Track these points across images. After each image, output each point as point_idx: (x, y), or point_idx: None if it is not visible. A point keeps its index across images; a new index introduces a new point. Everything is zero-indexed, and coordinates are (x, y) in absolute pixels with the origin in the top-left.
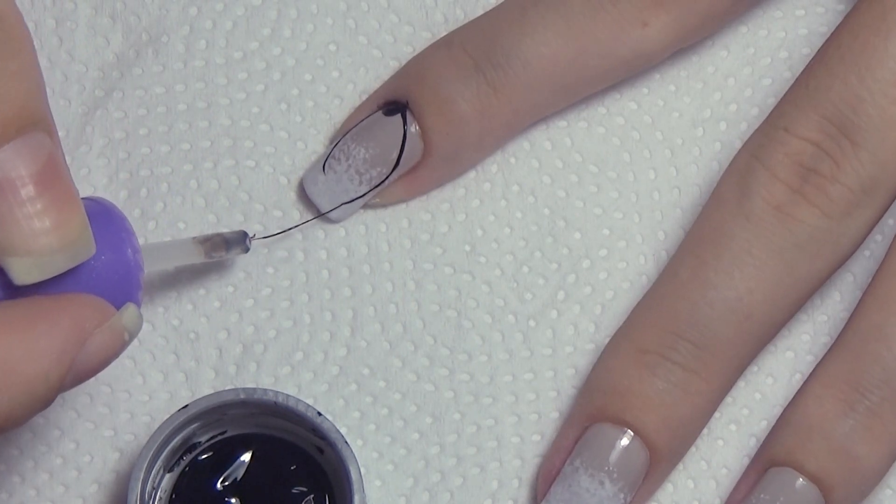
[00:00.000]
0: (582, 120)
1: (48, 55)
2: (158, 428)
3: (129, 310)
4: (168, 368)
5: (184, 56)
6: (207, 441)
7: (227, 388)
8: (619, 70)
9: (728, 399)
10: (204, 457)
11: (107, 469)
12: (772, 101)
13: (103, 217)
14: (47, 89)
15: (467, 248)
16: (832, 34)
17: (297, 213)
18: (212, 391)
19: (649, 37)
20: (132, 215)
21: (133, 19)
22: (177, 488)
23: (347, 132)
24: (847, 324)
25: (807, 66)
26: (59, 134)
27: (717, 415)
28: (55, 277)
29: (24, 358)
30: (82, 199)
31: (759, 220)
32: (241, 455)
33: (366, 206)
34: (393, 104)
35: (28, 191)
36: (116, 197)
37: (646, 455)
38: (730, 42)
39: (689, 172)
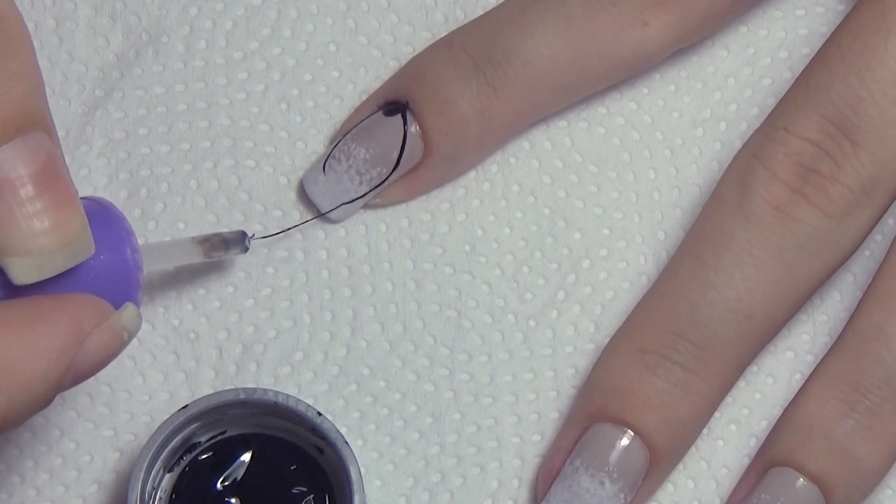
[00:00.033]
0: (582, 120)
1: (48, 55)
2: (158, 428)
3: (128, 310)
4: (168, 368)
5: (184, 56)
6: (207, 441)
7: (227, 388)
8: (620, 70)
9: (728, 399)
10: (204, 457)
11: (107, 469)
12: (772, 101)
13: (102, 217)
14: (47, 89)
15: (467, 248)
16: (832, 34)
17: (297, 213)
18: (212, 391)
19: (649, 37)
20: (132, 215)
21: (133, 19)
22: (177, 488)
23: (348, 132)
24: (847, 324)
25: (807, 66)
26: (59, 134)
27: (717, 415)
28: (54, 277)
29: (22, 358)
30: (81, 198)
31: (760, 220)
32: (241, 455)
33: (366, 206)
34: (393, 104)
35: (27, 191)
36: (116, 197)
37: (646, 455)
38: (730, 42)
39: (689, 172)
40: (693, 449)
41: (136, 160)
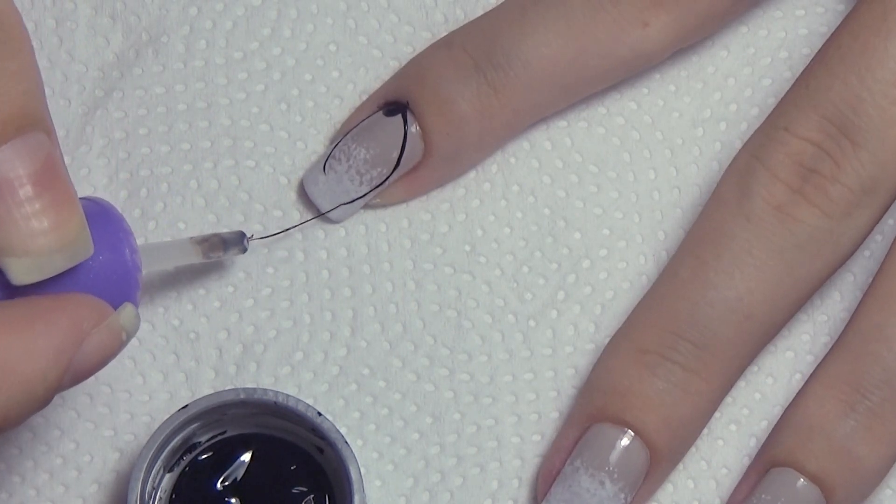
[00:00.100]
0: (582, 120)
1: (48, 55)
2: (158, 428)
3: (127, 310)
4: (168, 368)
5: (184, 56)
6: (207, 441)
7: (227, 388)
8: (620, 70)
9: (728, 399)
10: (204, 457)
11: (107, 469)
12: (772, 102)
13: (101, 217)
14: (47, 89)
15: (467, 248)
16: (832, 34)
17: (297, 213)
18: (212, 391)
19: (649, 37)
20: (132, 215)
21: (133, 19)
22: (177, 488)
23: (348, 132)
24: (848, 324)
25: (807, 66)
26: (59, 134)
27: (717, 415)
28: (53, 277)
29: (22, 358)
30: (80, 199)
31: (760, 221)
32: (241, 455)
33: (366, 206)
34: (393, 104)
35: (26, 191)
36: (116, 197)
37: (646, 455)
38: (730, 42)
39: (689, 172)
40: (693, 449)
41: (136, 160)
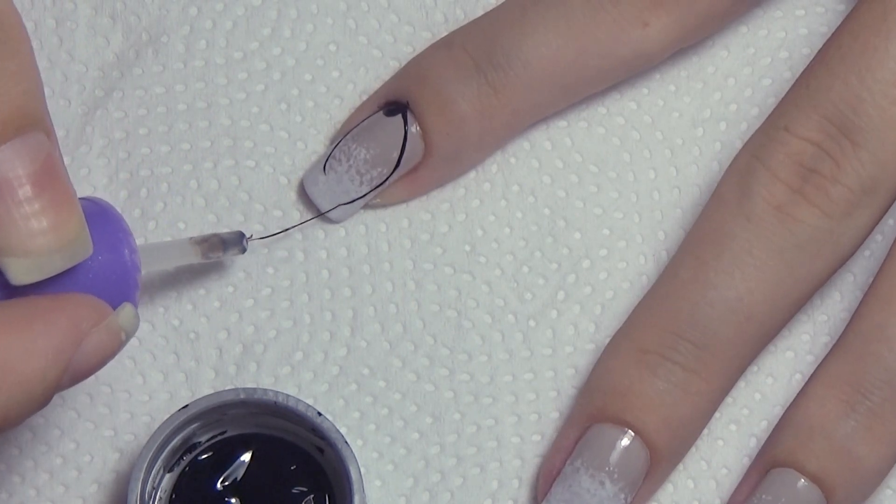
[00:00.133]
0: (582, 120)
1: (48, 55)
2: (158, 428)
3: (126, 309)
4: (168, 368)
5: (184, 56)
6: (207, 441)
7: (227, 388)
8: (620, 70)
9: (728, 399)
10: (204, 457)
11: (107, 469)
12: (772, 102)
13: (100, 217)
14: (47, 89)
15: (467, 248)
16: (833, 35)
17: (297, 214)
18: (212, 391)
19: (650, 37)
20: (132, 215)
21: (133, 19)
22: (177, 488)
23: (348, 133)
24: (848, 324)
25: (807, 66)
26: (59, 134)
27: (717, 415)
28: (53, 277)
29: (21, 357)
30: (80, 199)
31: (760, 221)
32: (241, 455)
33: (366, 206)
34: (393, 104)
35: (26, 191)
36: (116, 197)
37: (646, 455)
38: (730, 42)
39: (689, 172)
40: (693, 449)
41: (136, 160)
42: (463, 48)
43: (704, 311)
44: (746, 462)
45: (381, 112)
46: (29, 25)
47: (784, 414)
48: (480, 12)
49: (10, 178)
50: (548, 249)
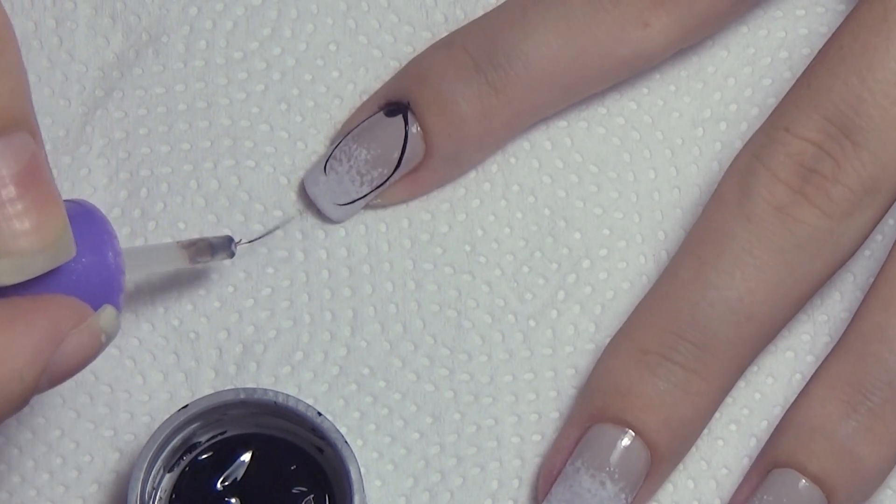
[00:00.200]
0: (582, 120)
1: (48, 55)
2: (158, 428)
3: (107, 311)
4: (168, 368)
5: (184, 56)
6: (207, 441)
7: (227, 388)
8: (620, 70)
9: (728, 399)
10: (204, 457)
11: (107, 469)
12: (772, 102)
13: (85, 219)
14: (47, 89)
15: (467, 248)
16: (833, 35)
17: (298, 213)
18: (212, 391)
19: (650, 37)
20: (132, 215)
21: (133, 19)
22: (177, 488)
23: (348, 133)
24: (849, 325)
25: (808, 66)
26: (59, 133)
27: (717, 415)
28: (34, 278)
29: None
30: (65, 201)
31: (760, 221)
32: (241, 455)
33: (366, 207)
34: (394, 105)
35: (9, 191)
36: (116, 197)
37: (647, 455)
38: (730, 42)
39: (689, 172)
40: (693, 449)
41: (136, 160)
42: (463, 48)
43: (705, 311)
44: (747, 462)
45: (382, 112)
46: (29, 25)
47: (785, 414)
48: (481, 12)
49: None
50: (548, 249)
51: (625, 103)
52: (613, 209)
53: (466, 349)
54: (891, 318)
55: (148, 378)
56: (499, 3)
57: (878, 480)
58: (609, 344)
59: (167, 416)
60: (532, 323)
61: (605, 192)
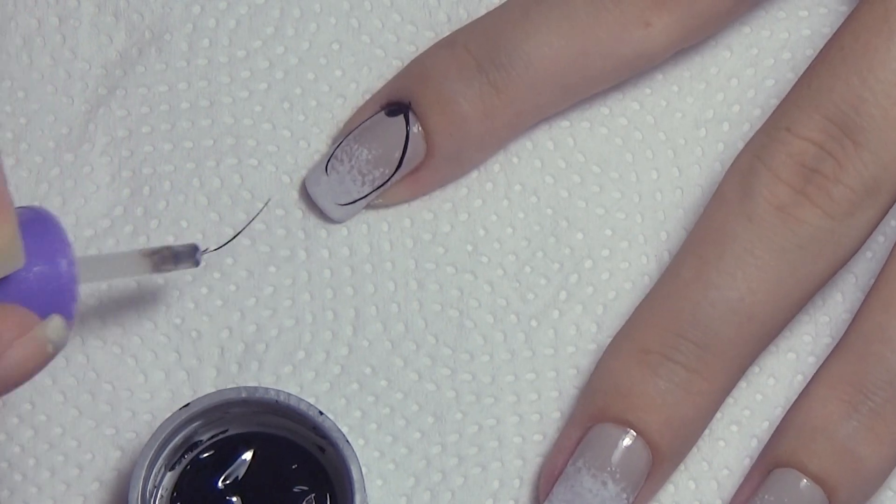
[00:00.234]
0: (585, 120)
1: (51, 52)
2: (160, 426)
3: (54, 321)
4: (170, 367)
5: (187, 54)
6: (209, 439)
7: (228, 387)
8: (622, 70)
9: (730, 400)
10: (205, 455)
11: (108, 467)
12: (775, 102)
13: (38, 227)
14: (50, 87)
15: (469, 247)
16: (834, 35)
17: (299, 213)
18: (213, 390)
19: (652, 37)
20: (135, 213)
21: (136, 17)
22: (178, 487)
23: (350, 133)
24: (850, 325)
25: (809, 66)
26: (62, 131)
27: (718, 416)
28: None
29: None
30: (20, 208)
31: (762, 221)
32: (242, 454)
33: (368, 206)
34: (395, 105)
35: None
36: (119, 194)
37: (648, 455)
38: (733, 43)
39: (691, 173)
40: (694, 450)
41: (138, 158)
42: (465, 48)
43: (706, 311)
44: (748, 463)
45: (383, 112)
46: (32, 22)
47: (786, 414)
48: (484, 12)
49: None
50: (550, 249)
51: (627, 104)
52: (616, 209)
53: (468, 349)
54: (891, 318)
55: (149, 376)
56: (501, 3)
57: (879, 480)
58: (610, 344)
59: (169, 414)
60: (534, 323)
61: (607, 192)
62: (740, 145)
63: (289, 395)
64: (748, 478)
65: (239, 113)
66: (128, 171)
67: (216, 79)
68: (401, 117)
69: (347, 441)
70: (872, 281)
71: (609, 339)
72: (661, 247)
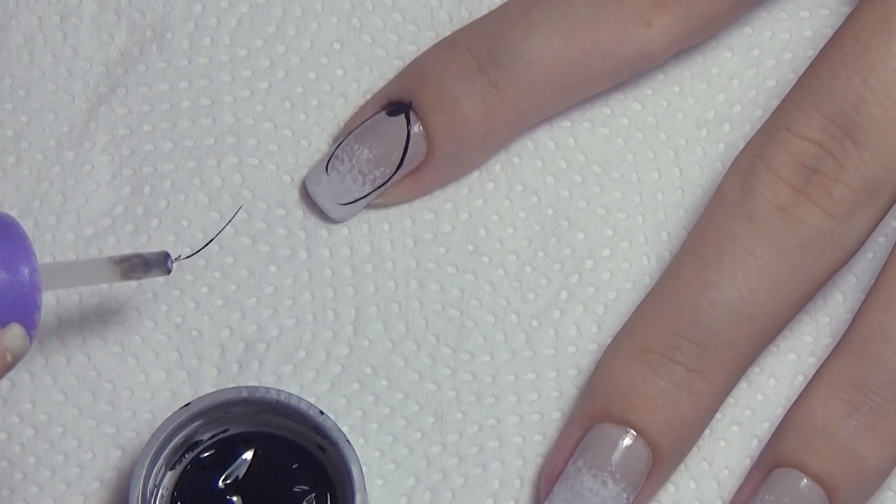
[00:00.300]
0: (586, 120)
1: (52, 51)
2: (160, 426)
3: (13, 331)
4: (170, 366)
5: (188, 53)
6: (209, 439)
7: (229, 387)
8: (623, 70)
9: (730, 400)
10: (206, 455)
11: (108, 466)
12: (776, 103)
13: (1, 234)
14: (51, 85)
15: (470, 247)
16: (834, 35)
17: (300, 212)
18: (214, 389)
19: (652, 37)
20: (135, 212)
21: (137, 16)
22: (178, 486)
23: (351, 132)
24: (850, 325)
25: (809, 66)
26: (63, 130)
27: (719, 416)
28: None
29: None
30: None
31: (762, 220)
32: (242, 453)
33: (369, 206)
34: (396, 104)
35: None
36: (120, 193)
37: (648, 455)
38: (734, 43)
39: (692, 173)
40: (695, 450)
41: (139, 157)
42: (466, 48)
43: (706, 310)
44: (748, 463)
45: (384, 112)
46: (33, 20)
47: (787, 414)
48: (485, 11)
49: None
50: (551, 249)
51: (629, 104)
52: (617, 209)
53: (469, 349)
54: (892, 318)
55: (150, 376)
56: (502, 3)
57: (879, 480)
58: (611, 344)
59: (169, 413)
60: (535, 323)
61: (608, 192)
62: (741, 146)
63: (289, 394)
64: (749, 477)
65: (240, 112)
66: (129, 170)
67: (217, 77)
68: (402, 117)
69: (348, 441)
70: (873, 281)
71: (610, 340)
72: (662, 247)
